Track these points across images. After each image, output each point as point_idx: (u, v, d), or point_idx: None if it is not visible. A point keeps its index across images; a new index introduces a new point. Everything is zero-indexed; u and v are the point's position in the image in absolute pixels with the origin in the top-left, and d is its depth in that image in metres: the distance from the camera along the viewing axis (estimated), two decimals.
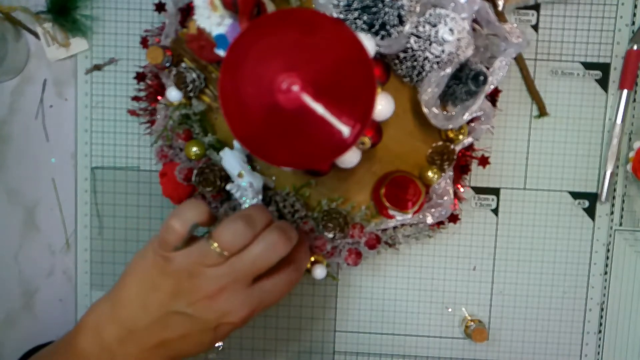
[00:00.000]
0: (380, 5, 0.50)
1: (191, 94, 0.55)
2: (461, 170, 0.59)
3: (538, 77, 0.60)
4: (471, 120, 0.56)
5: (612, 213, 0.61)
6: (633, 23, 0.59)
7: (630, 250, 0.62)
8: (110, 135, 0.62)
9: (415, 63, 0.52)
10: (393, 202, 0.56)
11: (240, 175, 0.54)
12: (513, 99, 0.60)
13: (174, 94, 0.55)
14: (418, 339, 0.63)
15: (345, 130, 0.40)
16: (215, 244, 0.42)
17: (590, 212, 0.62)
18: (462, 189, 0.59)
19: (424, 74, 0.53)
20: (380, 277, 0.63)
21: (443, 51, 0.51)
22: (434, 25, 0.51)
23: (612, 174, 0.60)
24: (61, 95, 0.62)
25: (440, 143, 0.57)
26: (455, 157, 0.57)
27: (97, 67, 0.61)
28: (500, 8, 0.57)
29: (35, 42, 0.61)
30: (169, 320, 0.44)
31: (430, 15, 0.52)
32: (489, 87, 0.54)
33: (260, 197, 0.54)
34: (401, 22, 0.50)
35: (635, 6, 0.59)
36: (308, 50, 0.41)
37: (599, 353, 0.63)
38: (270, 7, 0.51)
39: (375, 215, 0.58)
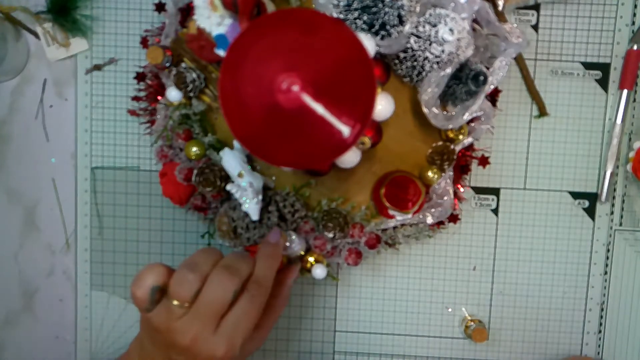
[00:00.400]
0: (380, 5, 0.50)
1: (191, 94, 0.55)
2: (461, 170, 0.59)
3: (538, 77, 0.60)
4: (471, 120, 0.56)
5: (612, 213, 0.61)
6: (633, 23, 0.59)
7: (630, 250, 0.62)
8: (110, 135, 0.62)
9: (415, 63, 0.52)
10: (393, 202, 0.56)
11: (240, 175, 0.54)
12: (513, 99, 0.60)
13: (174, 94, 0.55)
14: (418, 339, 0.63)
15: (345, 130, 0.40)
16: (174, 300, 0.45)
17: (590, 212, 0.62)
18: (462, 189, 0.59)
19: (424, 74, 0.53)
20: (380, 277, 0.63)
21: (443, 51, 0.51)
22: (434, 25, 0.51)
23: (612, 174, 0.60)
24: (61, 95, 0.62)
25: (440, 143, 0.57)
26: (455, 157, 0.57)
27: (97, 67, 0.61)
28: (500, 8, 0.57)
29: (35, 42, 0.61)
30: None
31: (430, 15, 0.52)
32: (489, 87, 0.54)
33: (260, 197, 0.54)
34: (401, 22, 0.50)
35: (635, 6, 0.59)
36: (308, 50, 0.41)
37: (599, 353, 0.63)
38: (270, 7, 0.51)
39: (375, 215, 0.58)
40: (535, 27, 0.60)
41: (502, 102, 0.60)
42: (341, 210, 0.57)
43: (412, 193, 0.56)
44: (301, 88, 0.40)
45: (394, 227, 0.58)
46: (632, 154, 0.59)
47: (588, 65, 0.60)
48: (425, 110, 0.53)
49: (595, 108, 0.60)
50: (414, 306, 0.63)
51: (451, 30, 0.51)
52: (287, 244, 0.54)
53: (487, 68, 0.54)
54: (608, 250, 0.62)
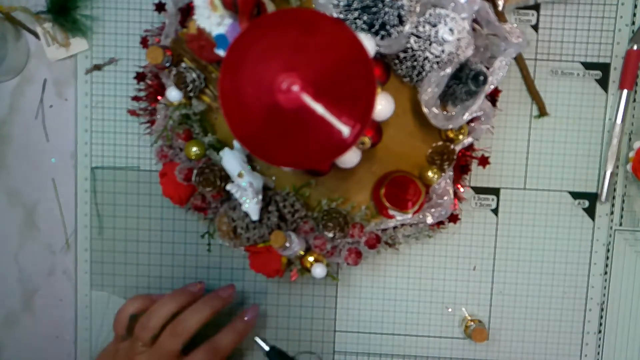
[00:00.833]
0: (380, 5, 0.50)
1: (191, 94, 0.55)
2: (461, 170, 0.59)
3: (538, 77, 0.60)
4: (471, 120, 0.56)
5: (612, 213, 0.61)
6: (633, 23, 0.59)
7: (630, 250, 0.62)
8: (110, 135, 0.62)
9: (415, 63, 0.52)
10: (393, 202, 0.56)
11: (240, 175, 0.54)
12: (513, 99, 0.60)
13: (174, 94, 0.55)
14: (418, 339, 0.63)
15: (345, 130, 0.40)
16: (138, 340, 0.55)
17: (590, 212, 0.62)
18: (462, 189, 0.59)
19: (424, 74, 0.53)
20: (380, 277, 0.63)
21: (443, 51, 0.51)
22: (434, 25, 0.51)
23: (612, 174, 0.60)
24: (61, 95, 0.62)
25: (440, 143, 0.57)
26: (455, 157, 0.57)
27: (97, 67, 0.61)
28: (500, 8, 0.57)
29: (35, 42, 0.61)
30: None
31: (430, 15, 0.52)
32: (489, 87, 0.54)
33: (260, 197, 0.54)
34: (401, 22, 0.50)
35: (635, 6, 0.59)
36: (308, 50, 0.41)
37: (599, 353, 0.63)
38: (270, 7, 0.51)
39: (375, 215, 0.58)
40: (535, 27, 0.60)
41: (502, 102, 0.60)
42: (341, 210, 0.57)
43: (412, 193, 0.56)
44: (301, 88, 0.40)
45: (394, 227, 0.58)
46: (632, 154, 0.59)
47: (588, 65, 0.60)
48: (425, 110, 0.53)
49: (595, 108, 0.60)
50: (414, 306, 0.63)
51: (451, 30, 0.51)
52: (287, 244, 0.54)
53: (487, 68, 0.54)
54: (608, 250, 0.62)
